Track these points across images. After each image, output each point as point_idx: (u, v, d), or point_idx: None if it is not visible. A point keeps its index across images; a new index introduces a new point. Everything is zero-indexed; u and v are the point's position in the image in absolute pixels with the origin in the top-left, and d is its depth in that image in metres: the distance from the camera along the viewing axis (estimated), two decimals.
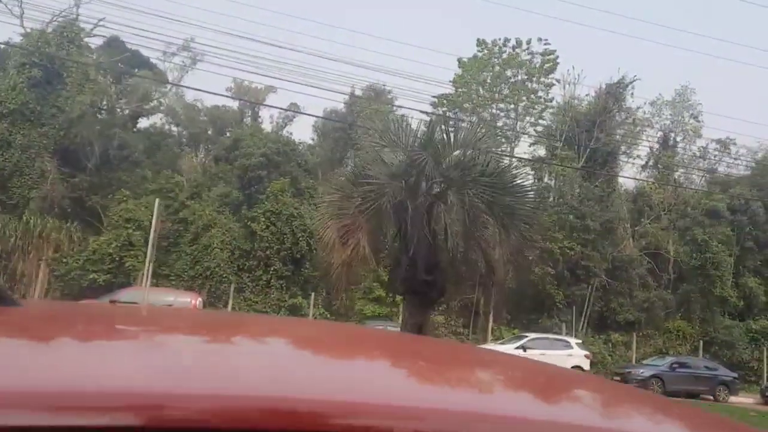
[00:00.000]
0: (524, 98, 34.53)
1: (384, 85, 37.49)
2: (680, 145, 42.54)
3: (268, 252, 28.41)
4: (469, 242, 10.50)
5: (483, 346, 25.60)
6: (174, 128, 45.93)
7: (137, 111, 39.73)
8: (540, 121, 36.54)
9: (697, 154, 41.77)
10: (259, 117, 48.34)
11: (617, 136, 35.82)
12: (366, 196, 10.46)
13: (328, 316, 29.13)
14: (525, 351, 23.40)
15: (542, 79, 34.97)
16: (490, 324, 30.47)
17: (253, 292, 28.58)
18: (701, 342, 31.67)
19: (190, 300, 20.41)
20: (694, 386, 24.25)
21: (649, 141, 42.07)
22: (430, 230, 10.13)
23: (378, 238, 10.73)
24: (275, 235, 28.33)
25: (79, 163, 31.04)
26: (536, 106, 34.76)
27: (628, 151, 40.14)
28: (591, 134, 33.70)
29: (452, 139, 10.96)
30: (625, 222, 34.60)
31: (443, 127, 11.25)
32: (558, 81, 34.88)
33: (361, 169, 11.74)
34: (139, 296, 20.26)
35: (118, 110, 38.24)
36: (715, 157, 41.18)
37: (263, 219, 28.33)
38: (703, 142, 42.18)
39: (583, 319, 33.34)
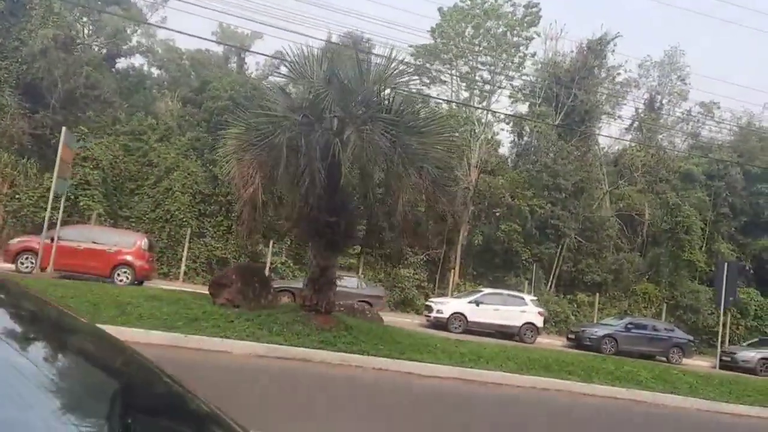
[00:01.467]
0: (503, 53, 33.58)
1: (362, 33, 36.59)
2: (666, 107, 41.95)
3: (229, 197, 27.94)
4: (369, 183, 10.01)
5: (443, 299, 25.40)
6: (156, 71, 45.21)
7: (115, 51, 38.84)
8: (520, 76, 35.74)
9: (681, 117, 41.18)
10: (245, 64, 47.42)
11: (598, 95, 34.99)
12: (261, 129, 9.94)
13: (291, 264, 28.91)
14: (478, 306, 23.30)
15: (523, 33, 33.98)
16: (453, 279, 30.30)
17: (213, 237, 28.25)
18: (665, 305, 31.59)
19: (135, 241, 20.07)
20: (648, 347, 24.19)
21: (635, 102, 41.46)
22: (325, 168, 9.63)
23: (281, 176, 10.17)
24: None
25: (43, 99, 30.33)
26: (515, 59, 33.82)
27: (611, 111, 39.53)
28: (570, 91, 32.95)
29: (362, 74, 10.36)
30: (599, 183, 34.10)
31: (357, 60, 10.59)
32: (538, 35, 33.94)
33: (265, 102, 11.14)
34: (82, 234, 19.99)
35: (95, 48, 37.40)
36: (698, 121, 40.55)
37: (225, 163, 27.74)
38: (689, 105, 41.61)
39: (552, 278, 33.20)
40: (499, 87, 33.95)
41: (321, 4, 67.85)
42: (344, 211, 10.46)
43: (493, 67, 34.16)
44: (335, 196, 10.12)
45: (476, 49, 33.86)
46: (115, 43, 37.71)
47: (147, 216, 28.15)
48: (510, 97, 33.69)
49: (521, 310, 23.59)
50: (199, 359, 8.78)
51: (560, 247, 32.92)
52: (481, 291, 24.60)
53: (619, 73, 37.29)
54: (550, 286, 33.05)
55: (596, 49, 33.22)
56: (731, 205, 36.14)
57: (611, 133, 42.24)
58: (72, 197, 25.99)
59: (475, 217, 31.59)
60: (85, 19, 35.83)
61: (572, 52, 35.00)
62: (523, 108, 37.20)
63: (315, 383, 8.70)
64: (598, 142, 38.47)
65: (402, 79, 10.72)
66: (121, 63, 41.55)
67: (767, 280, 35.54)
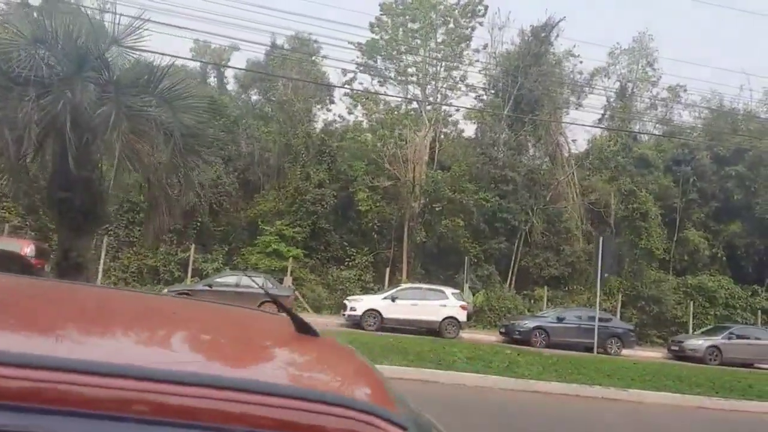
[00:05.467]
0: (442, 45, 32.67)
1: (309, 35, 36.02)
2: (636, 94, 40.42)
3: None
4: (92, 153, 9.16)
5: (359, 296, 24.40)
6: None
7: None
8: (480, 72, 34.65)
9: (649, 102, 39.64)
10: (225, 78, 47.21)
11: (548, 83, 33.71)
12: None
13: (226, 270, 28.27)
14: (394, 301, 22.31)
15: (466, 23, 33.01)
16: (403, 278, 29.25)
17: (143, 245, 27.77)
18: (620, 296, 30.00)
19: (20, 247, 19.65)
20: (581, 338, 22.81)
21: (606, 91, 40.04)
22: (19, 139, 8.78)
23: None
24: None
25: None
26: (457, 49, 32.80)
27: (576, 101, 38.23)
28: (516, 81, 31.82)
29: (76, 33, 9.59)
30: (553, 173, 32.79)
31: (88, 18, 9.83)
32: (481, 25, 32.93)
33: None
34: None
35: None
36: (665, 106, 38.94)
37: None
38: (658, 91, 40.08)
39: (511, 273, 31.90)
40: (444, 80, 32.98)
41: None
42: (78, 186, 9.68)
43: (438, 61, 33.26)
44: (65, 169, 9.33)
45: (418, 42, 33.03)
46: None
47: None
48: (450, 89, 32.63)
49: (441, 304, 22.47)
50: None
51: (517, 241, 31.64)
52: (399, 286, 23.61)
53: (581, 62, 36.09)
54: (509, 281, 31.76)
55: (540, 35, 32.06)
56: (700, 190, 34.38)
57: (584, 125, 40.92)
58: None
59: (419, 214, 30.56)
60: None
61: (520, 38, 33.94)
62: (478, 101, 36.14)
63: None
64: (564, 133, 37.16)
65: (132, 37, 9.99)
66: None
67: (741, 266, 33.63)
